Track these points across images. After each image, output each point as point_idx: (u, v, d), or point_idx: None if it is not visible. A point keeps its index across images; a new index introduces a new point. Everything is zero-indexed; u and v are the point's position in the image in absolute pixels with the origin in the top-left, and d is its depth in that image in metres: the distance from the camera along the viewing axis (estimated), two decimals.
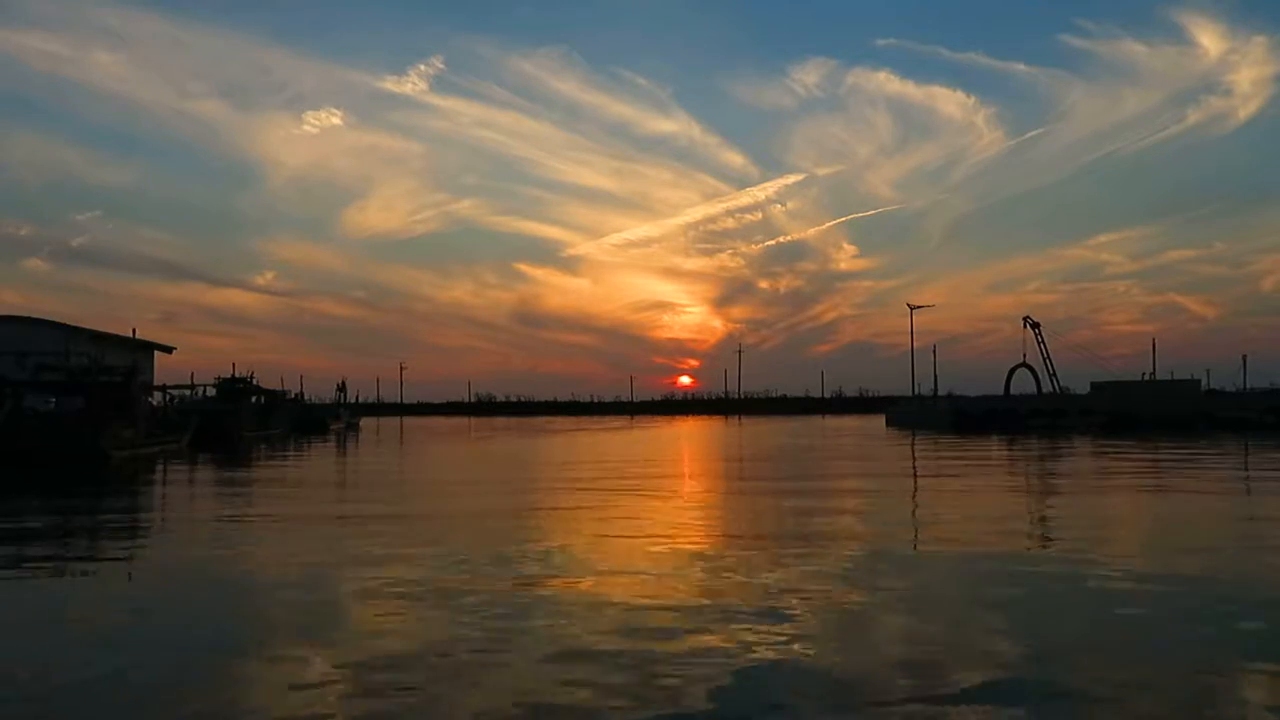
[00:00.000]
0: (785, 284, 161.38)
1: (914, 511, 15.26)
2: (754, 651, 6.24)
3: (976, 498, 16.94)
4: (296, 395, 72.42)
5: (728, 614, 7.30)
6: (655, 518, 13.90)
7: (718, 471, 24.93)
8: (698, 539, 11.92)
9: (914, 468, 25.30)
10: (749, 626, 6.90)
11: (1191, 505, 15.65)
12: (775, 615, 7.28)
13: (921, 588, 8.61)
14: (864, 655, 6.27)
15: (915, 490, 18.94)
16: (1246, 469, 23.89)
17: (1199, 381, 67.76)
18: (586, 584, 8.63)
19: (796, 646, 6.40)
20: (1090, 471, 23.57)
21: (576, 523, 13.44)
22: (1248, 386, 68.31)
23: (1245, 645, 6.44)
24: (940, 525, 13.28)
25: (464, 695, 5.38)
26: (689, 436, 49.46)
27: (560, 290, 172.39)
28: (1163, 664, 6.02)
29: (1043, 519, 14.31)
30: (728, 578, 8.90)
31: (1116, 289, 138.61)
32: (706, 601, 7.79)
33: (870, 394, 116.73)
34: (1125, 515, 14.55)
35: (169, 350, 58.44)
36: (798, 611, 7.42)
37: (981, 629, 6.97)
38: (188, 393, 49.50)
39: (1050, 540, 12.03)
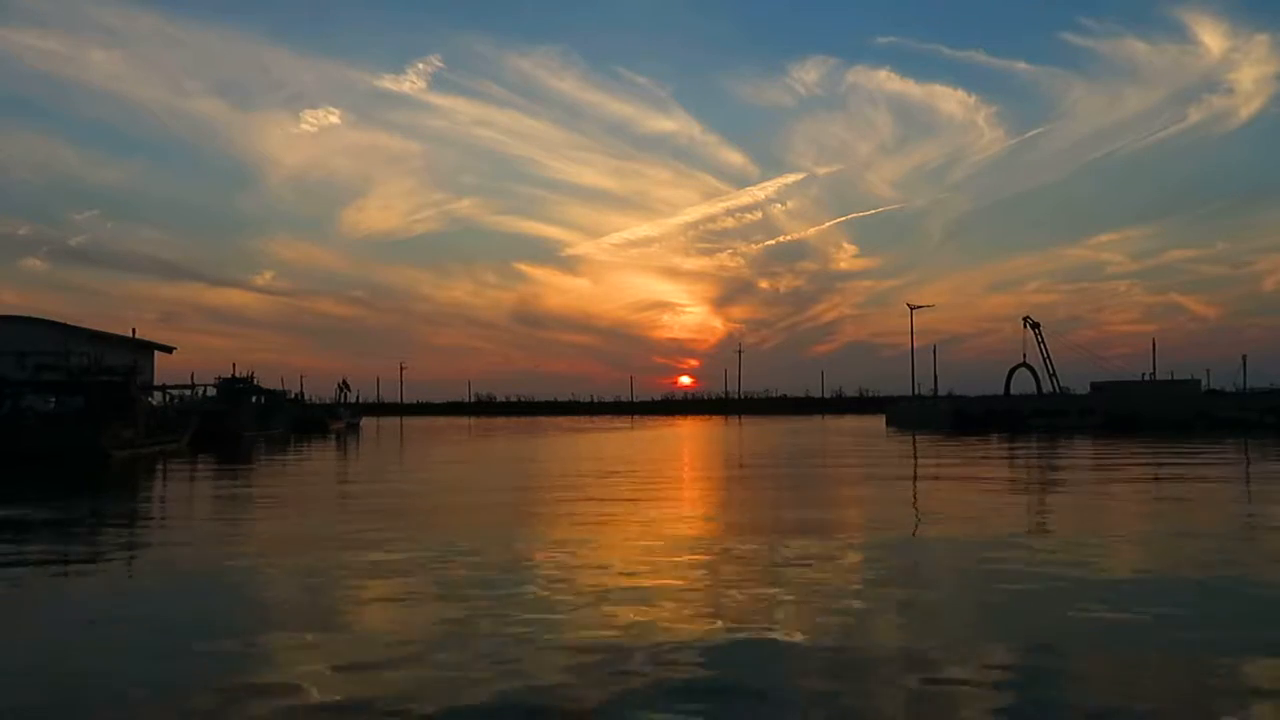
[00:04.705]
0: (785, 284, 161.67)
1: (915, 527, 15.21)
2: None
3: (978, 501, 16.94)
4: (296, 395, 72.43)
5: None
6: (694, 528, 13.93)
7: (728, 474, 24.95)
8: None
9: (914, 470, 25.30)
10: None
11: (1192, 507, 15.68)
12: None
13: (924, 592, 8.62)
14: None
15: (915, 495, 18.93)
16: (1247, 470, 23.86)
17: (1199, 381, 67.75)
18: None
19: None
20: (1090, 473, 23.56)
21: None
22: (1248, 386, 68.29)
23: (1233, 646, 6.45)
24: (942, 533, 13.27)
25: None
26: (691, 437, 49.44)
27: (560, 290, 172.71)
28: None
29: (1042, 524, 14.31)
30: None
31: (1117, 289, 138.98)
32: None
33: (870, 394, 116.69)
34: (1134, 518, 14.53)
35: (169, 350, 58.53)
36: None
37: (973, 636, 6.97)
38: (188, 393, 49.51)
39: (1047, 543, 12.01)
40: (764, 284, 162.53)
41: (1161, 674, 5.93)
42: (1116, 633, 6.83)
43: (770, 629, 6.92)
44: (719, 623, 7.10)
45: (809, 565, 9.59)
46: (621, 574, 9.16)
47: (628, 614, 7.39)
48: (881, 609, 7.64)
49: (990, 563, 9.76)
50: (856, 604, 7.81)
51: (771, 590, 8.33)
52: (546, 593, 8.27)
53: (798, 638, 6.69)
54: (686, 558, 10.16)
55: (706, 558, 10.18)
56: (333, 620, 7.49)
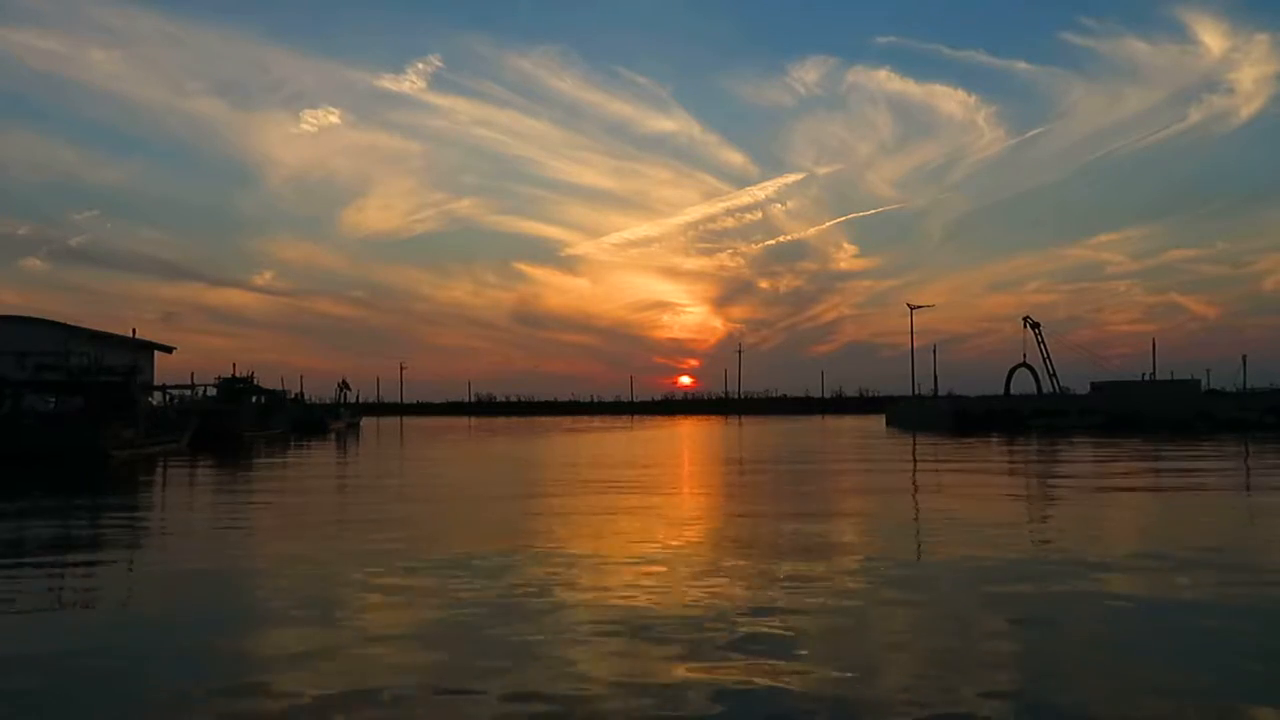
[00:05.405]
0: (785, 284, 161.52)
1: (937, 546, 15.19)
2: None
3: (992, 509, 16.92)
4: (296, 395, 72.41)
5: None
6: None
7: (732, 480, 24.92)
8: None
9: (922, 473, 25.30)
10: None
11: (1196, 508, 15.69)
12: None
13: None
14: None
15: (928, 503, 18.92)
16: (1247, 472, 23.85)
17: (1199, 381, 67.71)
18: None
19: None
20: (1092, 475, 23.55)
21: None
22: (1248, 386, 68.29)
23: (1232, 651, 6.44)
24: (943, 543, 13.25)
25: None
26: (691, 438, 49.44)
27: (560, 290, 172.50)
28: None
29: (1043, 527, 14.33)
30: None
31: (1117, 289, 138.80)
32: None
33: (870, 394, 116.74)
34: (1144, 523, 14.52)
35: (169, 350, 58.49)
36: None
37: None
38: (188, 393, 49.47)
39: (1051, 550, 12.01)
40: (764, 284, 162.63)
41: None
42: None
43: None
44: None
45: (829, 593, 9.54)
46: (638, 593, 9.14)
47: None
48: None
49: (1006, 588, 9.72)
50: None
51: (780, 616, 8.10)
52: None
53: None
54: (695, 571, 10.16)
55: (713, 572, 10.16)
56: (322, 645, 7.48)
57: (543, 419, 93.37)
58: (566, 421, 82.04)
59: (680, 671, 5.88)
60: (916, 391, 78.81)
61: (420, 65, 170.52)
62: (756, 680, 5.70)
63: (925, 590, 8.54)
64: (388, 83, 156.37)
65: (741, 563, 9.86)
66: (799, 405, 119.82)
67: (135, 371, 35.45)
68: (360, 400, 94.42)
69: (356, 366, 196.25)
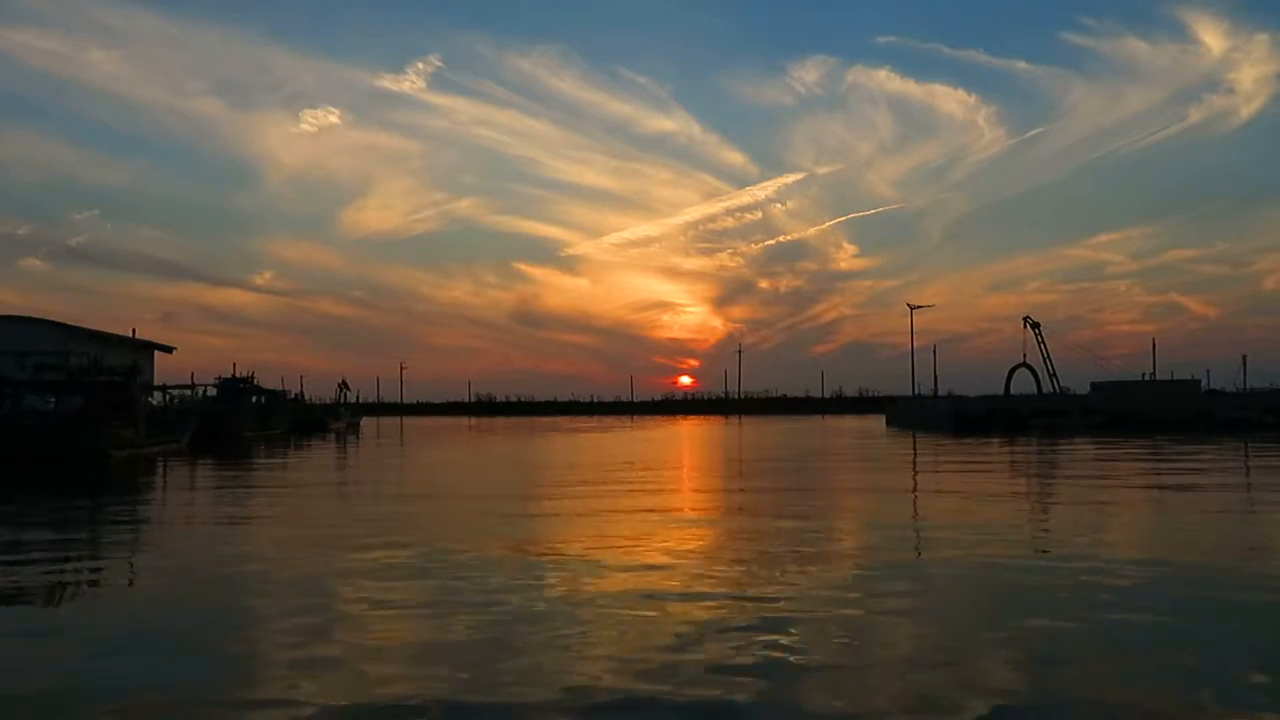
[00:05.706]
0: (785, 284, 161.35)
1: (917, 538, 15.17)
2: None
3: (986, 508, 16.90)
4: (296, 395, 72.36)
5: None
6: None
7: (733, 485, 24.92)
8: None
9: (914, 472, 25.28)
10: None
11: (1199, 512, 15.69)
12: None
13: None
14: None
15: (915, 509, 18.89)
16: (1247, 471, 23.85)
17: (1199, 381, 67.71)
18: None
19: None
20: (1092, 475, 23.53)
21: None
22: (1248, 386, 68.30)
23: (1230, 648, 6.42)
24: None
25: None
26: (691, 438, 49.44)
27: (560, 290, 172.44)
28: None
29: (1043, 527, 14.31)
30: None
31: (1117, 289, 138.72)
32: None
33: (870, 394, 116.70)
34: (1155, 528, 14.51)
35: (169, 350, 58.43)
36: None
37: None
38: (188, 393, 49.44)
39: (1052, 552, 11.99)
40: (764, 284, 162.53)
41: None
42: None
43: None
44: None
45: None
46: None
47: None
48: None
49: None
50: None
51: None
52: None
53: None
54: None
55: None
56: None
57: (542, 419, 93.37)
58: (566, 422, 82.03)
59: (681, 672, 5.89)
60: (916, 391, 78.90)
61: (420, 65, 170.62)
62: (757, 680, 5.71)
63: (925, 589, 8.54)
64: (388, 83, 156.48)
65: (743, 563, 9.87)
66: (799, 405, 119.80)
67: (135, 371, 35.44)
68: (360, 400, 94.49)
69: (356, 366, 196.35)
